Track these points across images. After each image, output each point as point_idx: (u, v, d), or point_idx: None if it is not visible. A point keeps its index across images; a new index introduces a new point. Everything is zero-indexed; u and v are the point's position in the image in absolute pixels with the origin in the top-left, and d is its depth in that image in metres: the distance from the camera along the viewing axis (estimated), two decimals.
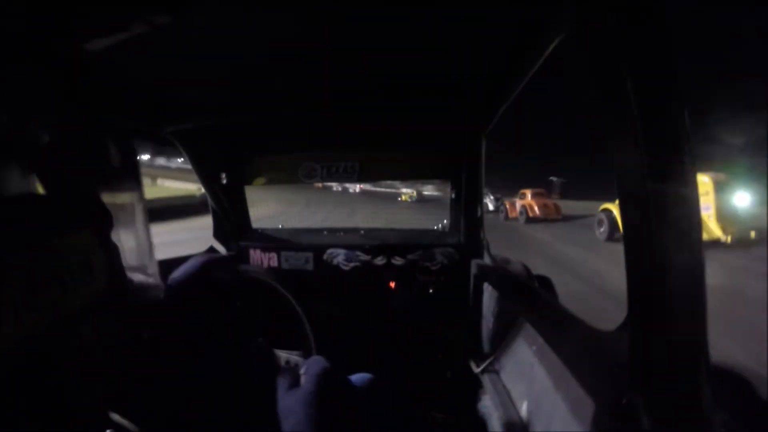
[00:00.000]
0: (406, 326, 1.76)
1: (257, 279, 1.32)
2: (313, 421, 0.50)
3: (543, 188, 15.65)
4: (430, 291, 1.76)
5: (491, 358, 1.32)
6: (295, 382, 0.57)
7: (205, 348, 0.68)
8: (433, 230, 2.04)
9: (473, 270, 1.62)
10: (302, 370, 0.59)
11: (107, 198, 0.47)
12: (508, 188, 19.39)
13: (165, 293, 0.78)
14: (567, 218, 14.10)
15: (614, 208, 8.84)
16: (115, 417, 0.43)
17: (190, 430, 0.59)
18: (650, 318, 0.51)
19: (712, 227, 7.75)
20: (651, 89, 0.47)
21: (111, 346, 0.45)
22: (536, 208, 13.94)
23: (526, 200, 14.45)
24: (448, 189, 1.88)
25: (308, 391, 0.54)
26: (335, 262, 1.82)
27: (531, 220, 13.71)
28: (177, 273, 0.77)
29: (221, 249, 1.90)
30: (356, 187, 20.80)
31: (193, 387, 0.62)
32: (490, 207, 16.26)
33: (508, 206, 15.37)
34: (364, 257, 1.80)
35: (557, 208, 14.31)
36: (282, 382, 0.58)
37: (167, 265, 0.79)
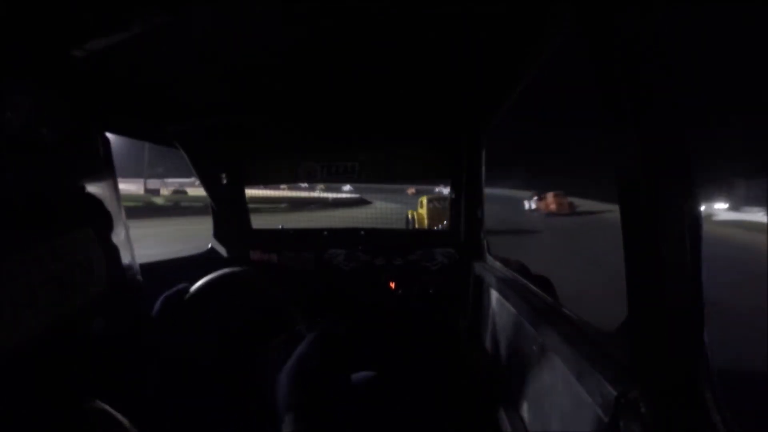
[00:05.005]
0: (406, 326, 1.76)
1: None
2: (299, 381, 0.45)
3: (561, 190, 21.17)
4: (430, 291, 1.76)
5: (491, 358, 1.32)
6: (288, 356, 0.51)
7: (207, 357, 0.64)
8: (434, 230, 2.04)
9: (473, 270, 1.61)
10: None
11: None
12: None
13: (182, 301, 0.76)
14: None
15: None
16: (104, 407, 0.43)
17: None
18: (650, 318, 0.51)
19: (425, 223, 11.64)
20: (650, 89, 0.47)
21: (110, 344, 0.45)
22: (553, 206, 20.24)
23: (548, 200, 20.63)
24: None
25: (302, 353, 0.48)
26: (335, 262, 1.82)
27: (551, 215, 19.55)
28: (199, 286, 0.75)
29: (221, 249, 1.90)
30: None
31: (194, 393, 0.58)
32: (533, 206, 21.72)
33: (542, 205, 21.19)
34: (365, 257, 1.80)
35: (571, 205, 20.52)
36: (276, 358, 0.52)
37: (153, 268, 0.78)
